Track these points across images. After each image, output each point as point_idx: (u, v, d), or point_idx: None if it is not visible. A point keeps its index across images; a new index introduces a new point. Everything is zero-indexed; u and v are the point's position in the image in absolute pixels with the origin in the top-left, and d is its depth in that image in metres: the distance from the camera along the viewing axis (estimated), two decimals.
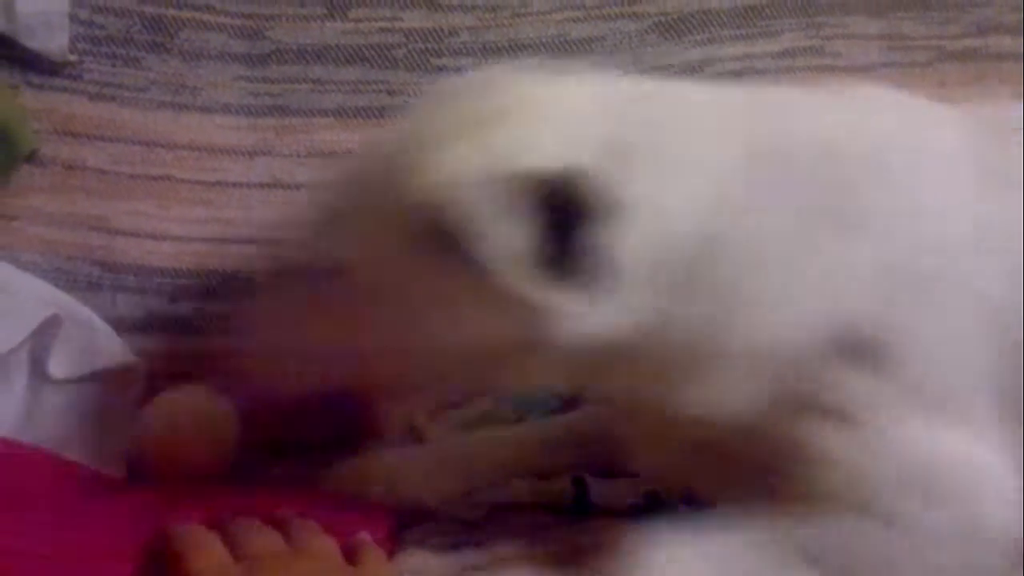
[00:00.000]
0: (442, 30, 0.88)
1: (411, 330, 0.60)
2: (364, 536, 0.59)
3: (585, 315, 0.56)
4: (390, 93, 0.88)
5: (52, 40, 0.83)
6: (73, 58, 0.84)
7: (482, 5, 0.89)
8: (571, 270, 0.55)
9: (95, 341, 0.76)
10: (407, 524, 0.67)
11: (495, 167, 0.55)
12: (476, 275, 0.55)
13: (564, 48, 0.89)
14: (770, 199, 0.59)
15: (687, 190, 0.59)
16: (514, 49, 0.89)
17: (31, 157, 0.83)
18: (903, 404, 0.59)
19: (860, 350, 0.59)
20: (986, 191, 0.62)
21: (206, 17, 0.87)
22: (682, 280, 0.58)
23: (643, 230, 0.57)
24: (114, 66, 0.86)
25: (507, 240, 0.54)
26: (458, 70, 0.88)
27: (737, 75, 0.88)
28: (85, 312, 0.78)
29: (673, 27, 0.88)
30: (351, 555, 0.56)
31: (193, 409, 0.73)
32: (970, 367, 0.60)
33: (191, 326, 0.84)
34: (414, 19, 0.89)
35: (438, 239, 0.56)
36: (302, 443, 0.75)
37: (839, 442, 0.58)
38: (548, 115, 0.60)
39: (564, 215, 0.54)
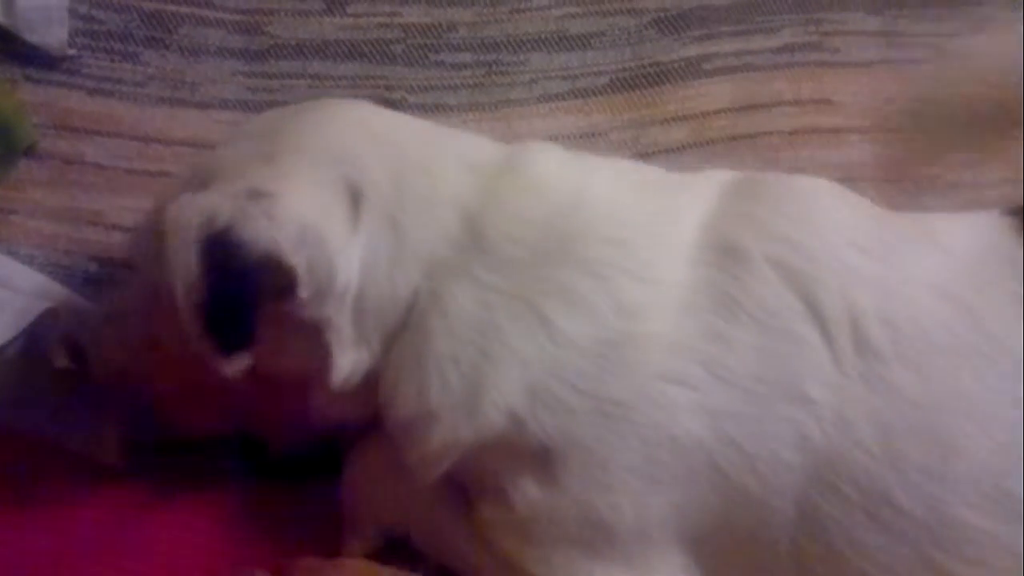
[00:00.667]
0: (441, 25, 0.90)
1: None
2: None
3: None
4: (388, 88, 0.89)
5: (51, 34, 0.84)
6: (72, 52, 0.86)
7: (481, 0, 0.90)
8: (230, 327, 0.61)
9: None
10: None
11: (218, 216, 0.61)
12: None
13: (563, 43, 0.90)
14: (467, 271, 0.63)
15: (407, 248, 0.64)
16: (513, 44, 0.90)
17: (30, 151, 0.85)
18: (567, 523, 0.61)
19: (534, 455, 0.61)
20: (698, 321, 0.61)
21: (204, 13, 0.88)
22: (390, 332, 0.64)
23: (356, 287, 0.64)
24: (112, 61, 0.87)
25: (186, 273, 0.60)
26: (456, 66, 0.89)
27: (735, 71, 0.89)
28: (83, 304, 0.80)
29: (672, 23, 0.90)
30: None
31: None
32: (651, 507, 0.60)
33: None
34: (413, 14, 0.90)
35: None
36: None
37: (504, 531, 0.63)
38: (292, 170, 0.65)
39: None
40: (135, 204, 0.86)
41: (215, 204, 0.61)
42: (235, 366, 0.60)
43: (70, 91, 0.86)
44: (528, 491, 0.61)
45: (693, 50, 0.90)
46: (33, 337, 0.77)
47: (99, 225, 0.86)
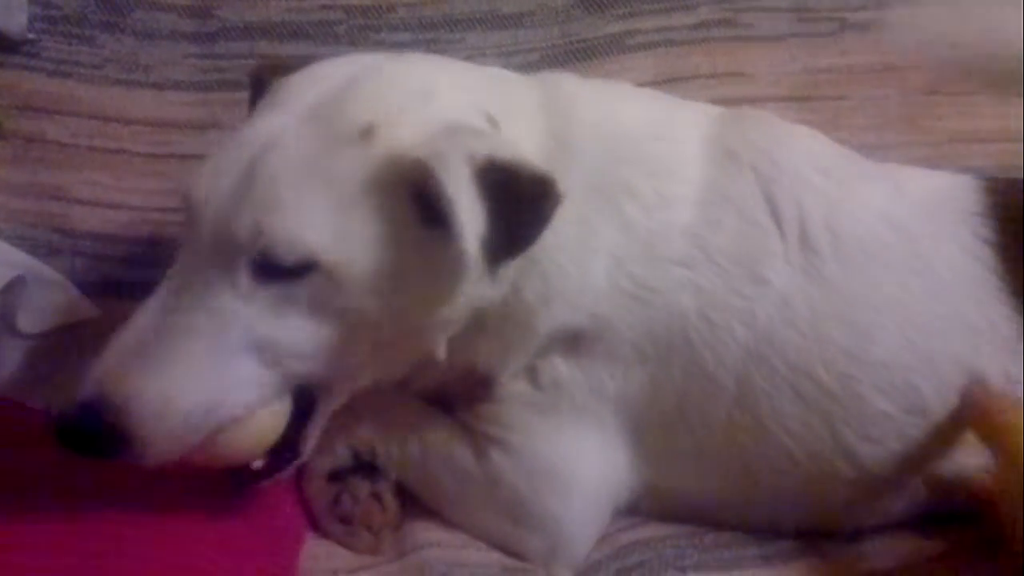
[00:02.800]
0: (381, 6, 0.99)
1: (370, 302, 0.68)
2: None
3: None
4: None
5: (11, 19, 0.93)
6: (31, 36, 0.95)
7: None
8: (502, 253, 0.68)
9: (59, 298, 0.88)
10: None
11: (479, 149, 0.67)
12: (436, 240, 0.66)
13: (497, 22, 1.00)
14: (558, 175, 0.73)
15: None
16: (450, 23, 1.00)
17: None
18: (573, 390, 0.75)
19: (575, 337, 0.75)
20: (705, 209, 0.76)
21: None
22: None
23: None
24: (70, 44, 0.96)
25: (473, 214, 0.65)
26: (396, 45, 0.99)
27: (656, 46, 1.00)
28: (49, 272, 0.89)
29: (597, 2, 1.00)
30: None
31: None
32: (635, 377, 0.75)
33: (144, 291, 0.93)
34: None
35: (405, 207, 0.67)
36: None
37: (519, 405, 0.76)
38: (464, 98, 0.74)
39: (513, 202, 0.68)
40: (94, 180, 0.96)
41: (460, 144, 0.67)
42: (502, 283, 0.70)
43: (31, 73, 0.96)
44: (556, 365, 0.76)
45: (617, 27, 1.00)
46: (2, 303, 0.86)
47: (61, 199, 0.95)
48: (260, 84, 0.78)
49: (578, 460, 0.76)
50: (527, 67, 0.99)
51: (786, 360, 0.74)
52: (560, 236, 0.73)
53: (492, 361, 0.77)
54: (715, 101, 0.95)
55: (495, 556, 0.76)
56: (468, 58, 0.99)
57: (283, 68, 0.77)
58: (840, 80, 1.02)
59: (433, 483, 0.79)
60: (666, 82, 0.99)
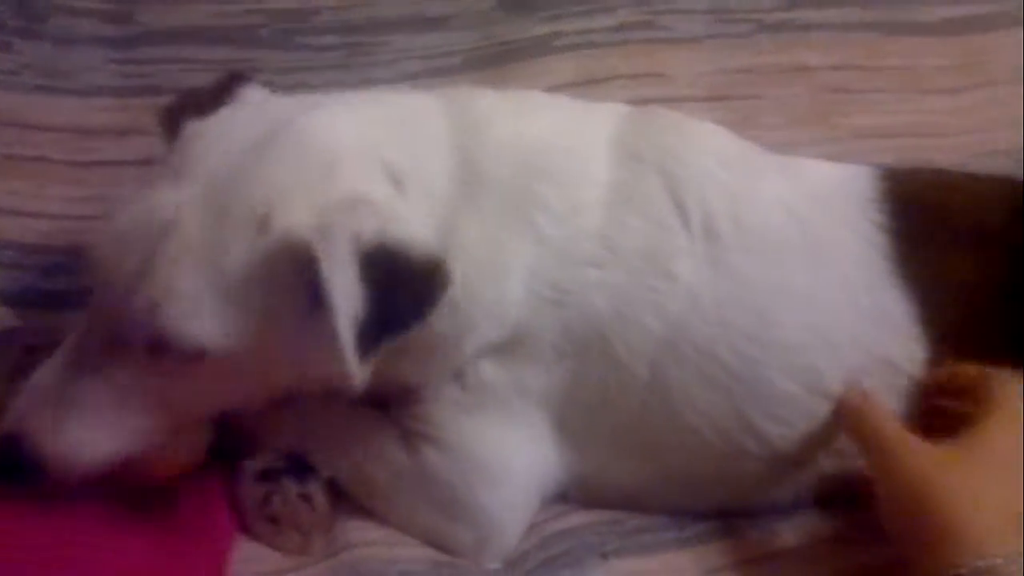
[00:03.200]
0: (305, 10, 1.00)
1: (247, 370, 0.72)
2: None
3: None
4: (256, 71, 0.96)
5: None
6: None
7: None
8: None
9: None
10: None
11: (366, 231, 0.68)
12: (315, 317, 0.68)
13: (421, 25, 1.02)
14: (471, 202, 0.77)
15: (429, 202, 0.75)
16: (373, 27, 1.01)
17: None
18: (498, 391, 0.78)
19: (498, 343, 0.78)
20: (613, 211, 0.79)
21: (76, 3, 0.97)
22: None
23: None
24: None
25: (349, 299, 0.66)
26: (321, 48, 1.00)
27: (578, 48, 1.03)
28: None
29: (520, 4, 1.03)
30: None
31: None
32: (555, 374, 0.78)
33: (66, 301, 0.92)
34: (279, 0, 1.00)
35: (298, 289, 0.68)
36: None
37: (448, 405, 0.79)
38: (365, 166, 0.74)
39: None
40: (14, 188, 0.95)
41: (346, 226, 0.67)
42: (365, 372, 0.67)
43: None
44: (482, 368, 0.79)
45: (541, 30, 1.03)
46: None
47: None
48: (172, 124, 0.78)
49: (506, 454, 0.79)
50: (451, 69, 1.02)
51: (695, 346, 0.78)
52: (473, 266, 0.75)
53: (417, 378, 0.80)
54: (633, 102, 0.97)
55: (427, 553, 0.78)
56: (393, 61, 1.01)
57: (193, 105, 0.78)
58: (754, 80, 1.06)
59: (366, 480, 0.80)
60: (585, 84, 1.01)
